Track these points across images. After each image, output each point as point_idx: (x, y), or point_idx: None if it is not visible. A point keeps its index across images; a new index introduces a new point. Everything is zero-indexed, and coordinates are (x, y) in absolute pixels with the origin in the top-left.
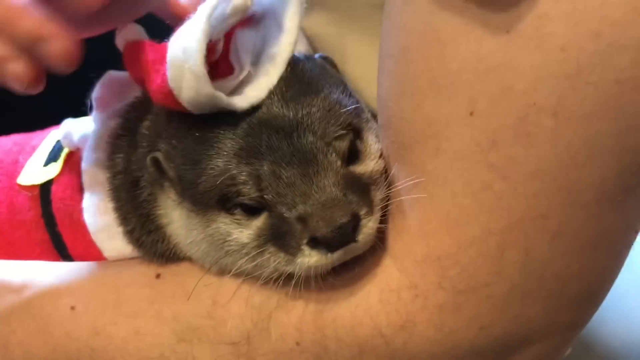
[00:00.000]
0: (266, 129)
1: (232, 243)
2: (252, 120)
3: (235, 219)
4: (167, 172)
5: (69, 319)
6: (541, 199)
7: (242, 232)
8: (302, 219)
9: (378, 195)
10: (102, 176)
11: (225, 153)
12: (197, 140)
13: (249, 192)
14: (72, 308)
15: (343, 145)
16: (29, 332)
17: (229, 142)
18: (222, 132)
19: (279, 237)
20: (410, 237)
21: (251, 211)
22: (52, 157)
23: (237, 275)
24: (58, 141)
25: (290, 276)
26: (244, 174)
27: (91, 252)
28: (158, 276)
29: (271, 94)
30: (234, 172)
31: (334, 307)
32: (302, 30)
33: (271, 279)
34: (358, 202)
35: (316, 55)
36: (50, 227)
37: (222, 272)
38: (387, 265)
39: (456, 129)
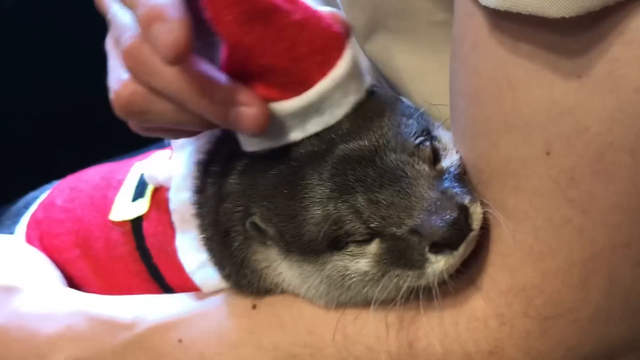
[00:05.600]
0: (348, 164)
1: (352, 276)
2: (331, 161)
3: (348, 253)
4: (267, 232)
5: (178, 351)
6: (623, 229)
7: (360, 261)
8: (415, 232)
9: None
10: (190, 215)
11: (318, 200)
12: (288, 196)
13: (355, 228)
14: (180, 341)
15: (426, 151)
16: None
17: (318, 189)
18: (308, 182)
19: (399, 257)
20: (493, 270)
21: (363, 242)
22: (139, 193)
23: (363, 304)
24: (142, 175)
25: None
26: (345, 213)
27: (188, 284)
28: (254, 307)
29: (338, 131)
30: (335, 215)
31: (425, 336)
32: (366, 55)
33: (402, 297)
34: (459, 193)
35: None
36: (145, 260)
37: (342, 307)
38: (471, 296)
39: (534, 168)
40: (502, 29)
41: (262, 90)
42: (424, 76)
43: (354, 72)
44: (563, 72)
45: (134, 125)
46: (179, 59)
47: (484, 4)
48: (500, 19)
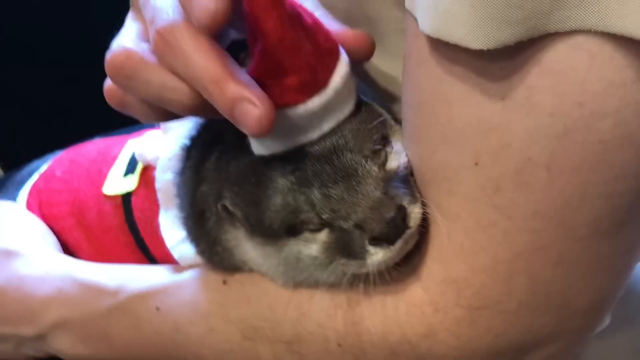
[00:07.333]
0: (309, 160)
1: (304, 259)
2: (296, 156)
3: (302, 239)
4: (235, 215)
5: (155, 318)
6: (541, 234)
7: (311, 247)
8: (359, 226)
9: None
10: (173, 195)
11: (280, 190)
12: (255, 184)
13: (309, 218)
14: (157, 309)
15: (380, 155)
16: (124, 328)
17: (281, 181)
18: (273, 172)
19: (344, 247)
20: (431, 262)
21: (315, 230)
22: (130, 169)
23: (315, 286)
24: (134, 152)
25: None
26: (301, 204)
27: (169, 258)
28: (225, 282)
29: None
30: (293, 205)
31: (369, 317)
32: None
33: (348, 284)
34: (400, 195)
35: None
36: (133, 232)
37: (299, 287)
38: (412, 284)
39: (464, 176)
40: (440, 51)
41: (290, 91)
42: (391, 79)
43: (351, 70)
44: (489, 94)
45: (112, 98)
46: (215, 26)
47: (421, 29)
48: (438, 43)
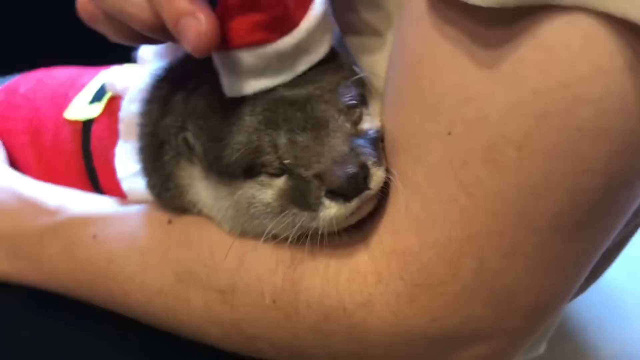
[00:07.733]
0: (282, 104)
1: (257, 205)
2: (269, 98)
3: (258, 183)
4: (195, 149)
5: (90, 245)
6: (499, 219)
7: (266, 192)
8: (318, 177)
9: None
10: (135, 125)
11: (246, 128)
12: (221, 120)
13: (270, 160)
14: (94, 236)
15: (355, 112)
16: (56, 251)
17: (248, 119)
18: (242, 111)
19: (300, 197)
20: (383, 230)
21: (274, 175)
22: (97, 97)
23: (261, 237)
24: (104, 83)
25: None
26: (265, 144)
27: (118, 191)
28: (169, 222)
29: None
30: (256, 144)
31: (309, 276)
32: None
33: (297, 238)
34: (366, 154)
35: None
36: (87, 161)
37: (245, 235)
38: (359, 250)
39: (435, 145)
40: (437, 11)
41: (260, 29)
42: (378, 49)
43: (326, 11)
44: (477, 60)
45: (84, 11)
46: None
47: None
48: (438, 1)
